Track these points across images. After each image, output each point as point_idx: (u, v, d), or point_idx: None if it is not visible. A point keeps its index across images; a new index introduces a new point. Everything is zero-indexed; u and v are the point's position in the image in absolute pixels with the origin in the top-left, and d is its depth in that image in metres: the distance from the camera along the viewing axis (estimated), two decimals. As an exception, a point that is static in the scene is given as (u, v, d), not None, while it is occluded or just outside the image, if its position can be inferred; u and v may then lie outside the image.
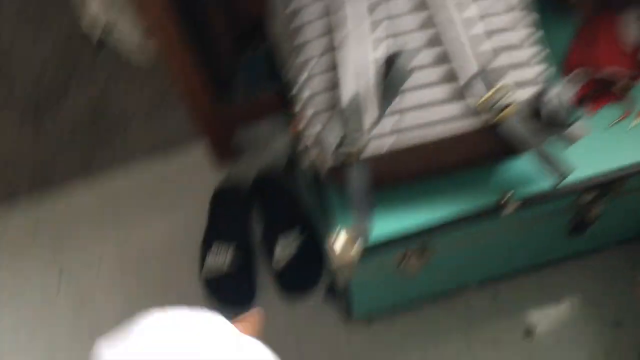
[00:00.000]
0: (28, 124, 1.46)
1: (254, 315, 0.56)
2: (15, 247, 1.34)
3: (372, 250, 0.82)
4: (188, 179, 1.37)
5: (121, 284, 1.28)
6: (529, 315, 1.19)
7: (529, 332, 1.17)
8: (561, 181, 0.77)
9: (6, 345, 1.25)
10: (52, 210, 1.37)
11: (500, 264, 1.12)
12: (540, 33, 0.77)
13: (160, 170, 1.39)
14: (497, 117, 0.73)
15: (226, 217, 1.30)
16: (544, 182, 0.82)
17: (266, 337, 1.19)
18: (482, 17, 0.76)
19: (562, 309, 1.18)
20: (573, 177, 0.80)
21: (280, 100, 1.14)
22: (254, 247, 1.27)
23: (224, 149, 1.32)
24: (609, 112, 0.90)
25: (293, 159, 1.28)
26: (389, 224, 0.82)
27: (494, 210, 0.83)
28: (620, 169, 0.85)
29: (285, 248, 1.22)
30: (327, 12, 0.77)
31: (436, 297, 1.19)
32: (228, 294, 1.23)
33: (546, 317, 1.19)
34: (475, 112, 0.74)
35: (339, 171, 0.76)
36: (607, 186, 0.87)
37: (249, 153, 1.37)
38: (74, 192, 1.38)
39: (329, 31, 0.77)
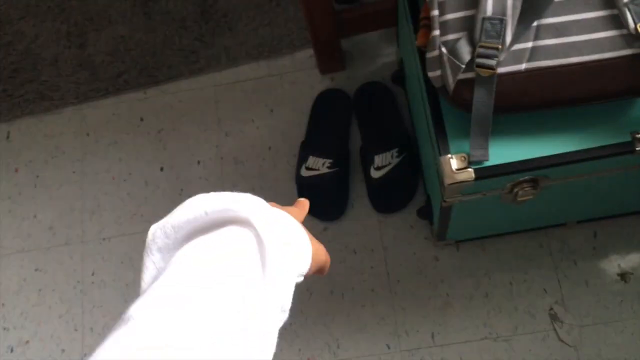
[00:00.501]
0: (138, 15, 1.48)
1: (302, 203, 0.55)
2: (120, 138, 1.40)
3: (486, 176, 0.80)
4: (291, 83, 1.37)
5: (221, 187, 1.32)
6: (627, 259, 1.15)
7: (624, 276, 1.14)
8: None
9: (95, 225, 1.34)
10: (157, 105, 1.41)
11: (609, 204, 1.08)
12: None
13: (264, 72, 1.39)
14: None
15: (328, 122, 1.30)
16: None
17: (356, 246, 1.22)
18: None
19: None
20: None
21: (395, 10, 1.10)
22: (351, 157, 1.27)
23: (331, 55, 1.30)
24: None
25: (401, 73, 1.25)
26: (507, 151, 0.80)
27: (623, 149, 0.78)
28: None
29: (382, 164, 1.21)
30: None
31: (532, 230, 1.16)
32: (320, 205, 1.25)
33: (644, 264, 1.15)
34: (629, 39, 0.69)
35: (464, 87, 0.74)
36: None
37: (356, 62, 1.35)
38: (179, 89, 1.41)
39: None
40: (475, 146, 0.77)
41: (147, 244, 0.42)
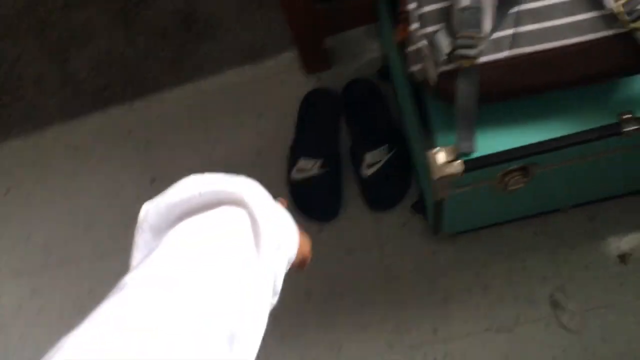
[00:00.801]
0: (119, 28, 1.47)
1: (280, 201, 0.55)
2: (109, 152, 1.39)
3: (475, 167, 0.79)
4: (277, 86, 1.36)
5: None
6: (625, 240, 1.14)
7: (623, 258, 1.13)
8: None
9: (89, 242, 1.32)
10: (143, 117, 1.40)
11: (602, 187, 1.07)
12: None
13: (249, 76, 1.38)
14: (636, 24, 0.66)
15: (316, 122, 1.29)
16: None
17: (353, 245, 1.21)
18: None
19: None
20: None
21: (374, 5, 1.09)
22: (341, 157, 1.26)
23: (315, 55, 1.30)
24: None
25: (388, 68, 1.24)
26: (495, 140, 0.79)
27: (611, 131, 0.77)
28: None
29: (374, 161, 1.21)
30: None
31: (528, 217, 1.16)
32: (313, 206, 1.24)
33: (643, 244, 1.14)
34: (609, 20, 0.68)
35: (446, 79, 0.73)
36: None
37: (342, 60, 1.34)
38: (165, 99, 1.40)
39: None
40: (461, 138, 0.77)
41: (138, 221, 0.41)
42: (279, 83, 1.36)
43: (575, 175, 0.96)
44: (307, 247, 0.51)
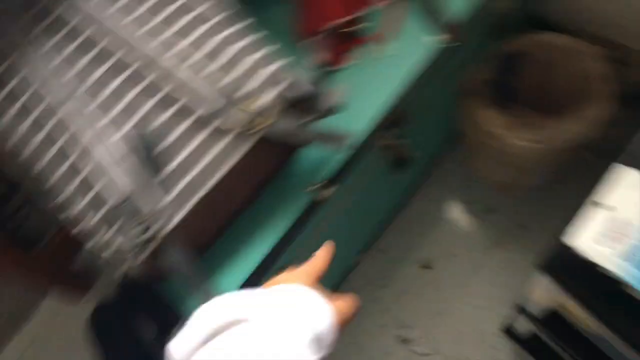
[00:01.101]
0: None
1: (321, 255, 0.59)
2: None
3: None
4: (60, 329, 1.30)
5: None
6: (419, 250, 1.23)
7: (426, 265, 1.22)
8: (348, 146, 0.79)
9: None
10: None
11: (363, 232, 1.15)
12: (261, 31, 0.77)
13: (28, 336, 1.30)
14: (260, 129, 0.73)
15: (110, 339, 1.24)
16: (338, 155, 0.84)
17: None
18: (196, 47, 0.75)
19: (443, 230, 1.24)
20: (360, 128, 0.84)
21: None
22: (155, 349, 1.22)
23: (74, 280, 1.26)
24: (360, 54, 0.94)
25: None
26: (233, 275, 0.82)
27: (315, 204, 0.84)
28: (393, 99, 0.88)
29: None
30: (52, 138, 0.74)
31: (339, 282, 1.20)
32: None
33: (434, 245, 1.23)
34: (239, 137, 0.74)
35: (151, 266, 0.74)
36: (392, 119, 0.91)
37: (99, 275, 1.32)
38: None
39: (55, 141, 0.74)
40: (201, 298, 0.78)
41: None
42: (61, 328, 1.30)
43: (337, 239, 1.02)
44: (343, 309, 0.52)
